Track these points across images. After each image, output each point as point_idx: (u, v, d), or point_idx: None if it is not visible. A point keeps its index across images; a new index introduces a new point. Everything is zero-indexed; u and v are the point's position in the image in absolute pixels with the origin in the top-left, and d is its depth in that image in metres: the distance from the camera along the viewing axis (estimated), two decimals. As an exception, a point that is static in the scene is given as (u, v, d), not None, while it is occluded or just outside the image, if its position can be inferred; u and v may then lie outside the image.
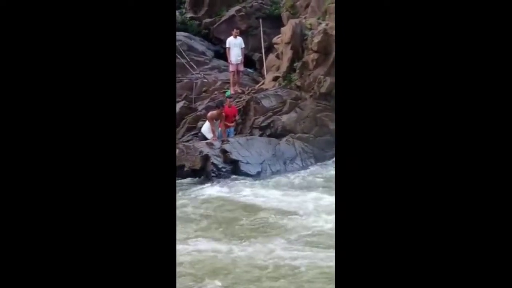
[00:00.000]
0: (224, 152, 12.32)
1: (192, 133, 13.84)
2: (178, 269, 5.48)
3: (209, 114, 13.26)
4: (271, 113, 13.94)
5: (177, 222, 7.23)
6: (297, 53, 14.51)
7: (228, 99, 13.73)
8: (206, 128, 13.16)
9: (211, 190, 11.13)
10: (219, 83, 16.04)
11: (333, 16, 13.63)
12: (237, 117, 13.62)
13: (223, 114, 13.22)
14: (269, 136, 13.52)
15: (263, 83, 15.71)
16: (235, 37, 15.39)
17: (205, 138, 12.96)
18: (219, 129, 13.18)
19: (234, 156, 12.27)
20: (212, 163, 12.02)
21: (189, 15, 18.24)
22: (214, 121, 13.09)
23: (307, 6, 15.68)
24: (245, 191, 10.85)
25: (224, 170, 12.08)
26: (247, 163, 12.34)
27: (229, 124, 13.38)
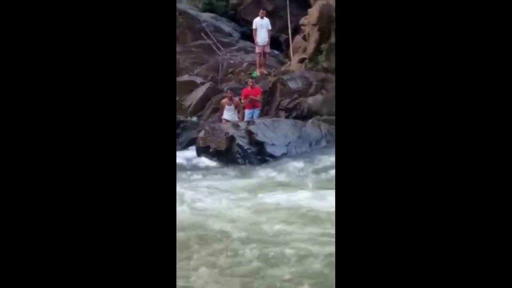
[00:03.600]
0: (249, 133, 12.31)
1: (218, 114, 13.87)
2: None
3: (223, 100, 13.42)
4: (297, 95, 13.91)
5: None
6: (324, 35, 14.42)
7: (250, 80, 13.75)
8: (225, 113, 13.27)
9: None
10: (245, 64, 16.04)
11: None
12: (258, 97, 13.54)
13: (234, 98, 13.28)
14: (295, 118, 13.48)
15: (289, 65, 15.66)
16: (262, 18, 15.33)
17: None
18: (234, 114, 13.26)
19: (259, 137, 12.25)
20: (238, 145, 12.03)
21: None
22: (227, 106, 13.18)
23: (334, -13, 15.57)
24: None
25: (249, 151, 12.09)
26: (273, 144, 12.32)
27: (249, 106, 13.41)
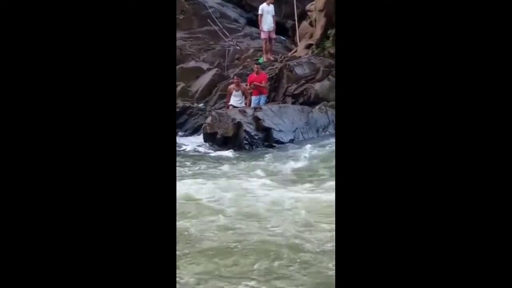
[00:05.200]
0: (256, 119, 12.31)
1: (224, 100, 13.86)
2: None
3: (229, 86, 13.48)
4: (304, 81, 13.88)
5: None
6: (331, 20, 14.36)
7: (256, 66, 13.74)
8: (233, 99, 13.30)
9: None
10: (251, 50, 16.00)
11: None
12: (263, 83, 13.53)
13: (241, 84, 13.31)
14: (302, 104, 13.47)
15: (296, 51, 15.62)
16: (268, 4, 15.26)
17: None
18: (241, 100, 13.27)
19: (266, 123, 12.26)
20: (245, 131, 12.04)
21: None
22: (234, 92, 13.23)
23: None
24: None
25: (256, 137, 12.10)
26: (280, 130, 12.33)
27: (255, 93, 13.42)
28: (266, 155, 11.26)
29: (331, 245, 6.16)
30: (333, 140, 12.23)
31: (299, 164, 10.56)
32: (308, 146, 11.70)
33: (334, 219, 3.21)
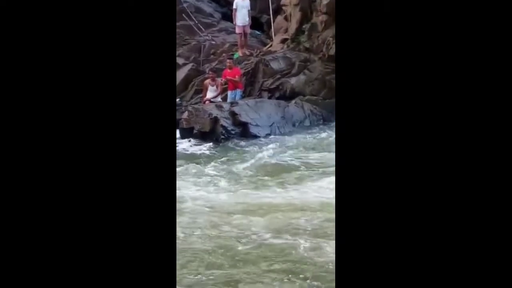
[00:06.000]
0: (233, 114, 12.34)
1: (200, 95, 13.84)
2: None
3: (205, 81, 13.54)
4: (279, 75, 13.92)
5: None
6: (306, 15, 14.41)
7: (228, 61, 13.76)
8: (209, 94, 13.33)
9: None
10: (227, 45, 15.97)
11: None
12: (237, 78, 13.54)
13: (216, 79, 13.33)
14: (278, 98, 13.52)
15: (271, 45, 15.63)
16: (245, -2, 15.28)
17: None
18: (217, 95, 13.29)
19: (243, 118, 12.29)
20: (221, 126, 12.05)
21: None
22: (210, 87, 13.29)
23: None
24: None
25: (233, 132, 12.12)
26: (256, 125, 12.37)
27: (230, 87, 13.43)
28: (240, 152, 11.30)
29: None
30: (308, 134, 12.33)
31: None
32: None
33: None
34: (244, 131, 12.19)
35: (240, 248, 6.73)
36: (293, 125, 12.83)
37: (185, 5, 17.15)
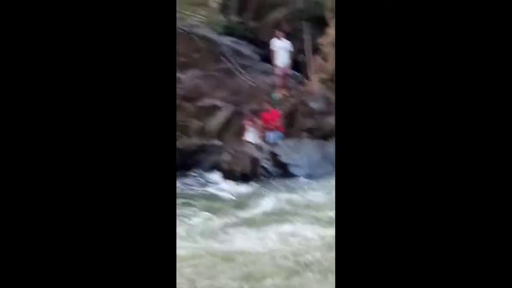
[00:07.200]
0: (273, 155, 12.38)
1: (240, 137, 13.93)
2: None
3: (244, 123, 13.58)
4: (318, 115, 13.95)
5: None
6: (344, 54, 14.42)
7: (266, 104, 13.82)
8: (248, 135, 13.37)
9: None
10: (266, 86, 16.08)
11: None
12: (276, 120, 13.57)
13: (255, 120, 13.36)
14: (318, 138, 13.53)
15: (309, 85, 15.69)
16: (281, 39, 15.39)
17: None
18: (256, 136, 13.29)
19: (283, 159, 12.32)
20: (262, 167, 12.09)
21: (234, 19, 18.33)
22: (249, 128, 13.41)
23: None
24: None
25: (274, 173, 12.14)
26: (297, 165, 12.38)
27: (269, 128, 13.44)
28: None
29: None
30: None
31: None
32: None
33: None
34: (284, 172, 12.21)
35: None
36: (332, 164, 12.78)
37: (224, 48, 17.37)
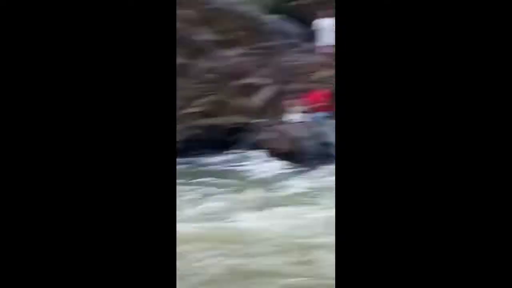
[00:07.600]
0: (317, 134, 12.30)
1: (284, 116, 13.83)
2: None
3: (288, 102, 13.41)
4: (364, 95, 13.76)
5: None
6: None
7: (311, 83, 13.71)
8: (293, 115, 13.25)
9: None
10: (311, 65, 15.92)
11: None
12: (322, 101, 13.42)
13: (301, 99, 13.19)
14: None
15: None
16: (327, 19, 15.22)
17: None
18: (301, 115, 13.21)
19: (327, 138, 12.23)
20: (306, 146, 12.03)
21: (280, -3, 18.20)
22: (294, 107, 13.30)
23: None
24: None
25: (317, 153, 12.07)
26: (341, 146, 12.26)
27: (315, 107, 13.33)
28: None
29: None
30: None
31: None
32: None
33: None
34: (329, 151, 12.09)
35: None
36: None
37: (268, 26, 17.25)
